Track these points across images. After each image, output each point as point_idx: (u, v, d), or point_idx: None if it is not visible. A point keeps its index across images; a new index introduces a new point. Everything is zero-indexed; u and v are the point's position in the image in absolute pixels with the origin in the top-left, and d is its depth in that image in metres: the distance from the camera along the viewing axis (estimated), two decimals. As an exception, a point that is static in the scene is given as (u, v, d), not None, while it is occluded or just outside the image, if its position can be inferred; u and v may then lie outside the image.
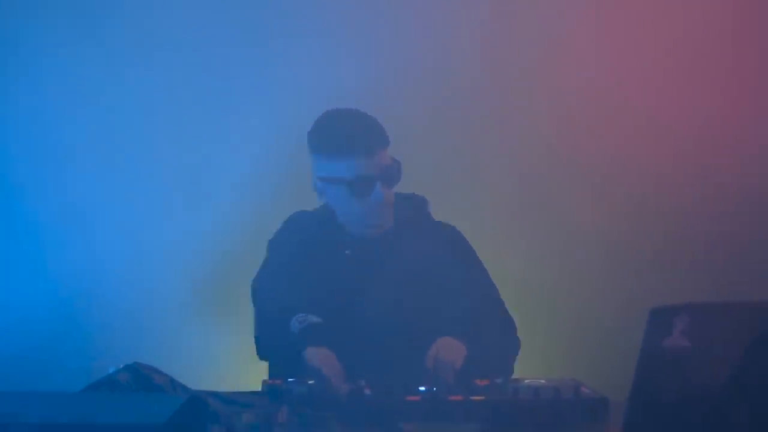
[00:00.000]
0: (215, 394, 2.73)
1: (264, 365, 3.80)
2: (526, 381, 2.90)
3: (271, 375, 3.32)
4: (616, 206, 4.39)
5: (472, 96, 4.37)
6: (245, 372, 3.72)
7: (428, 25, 4.40)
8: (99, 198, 4.34)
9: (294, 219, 3.40)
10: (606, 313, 4.15)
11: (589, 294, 4.27)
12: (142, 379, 2.74)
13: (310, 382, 2.93)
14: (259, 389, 2.94)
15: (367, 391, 2.89)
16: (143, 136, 4.38)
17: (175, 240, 4.32)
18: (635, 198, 4.40)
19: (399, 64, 4.36)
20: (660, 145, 4.38)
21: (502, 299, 3.34)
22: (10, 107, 4.33)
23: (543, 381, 2.92)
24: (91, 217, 4.31)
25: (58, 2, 4.32)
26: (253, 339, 3.95)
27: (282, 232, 3.39)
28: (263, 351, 3.30)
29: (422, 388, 2.90)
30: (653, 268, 4.32)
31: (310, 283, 3.25)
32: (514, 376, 3.22)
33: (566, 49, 4.39)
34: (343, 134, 3.21)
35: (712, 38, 4.37)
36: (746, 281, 4.22)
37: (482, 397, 2.85)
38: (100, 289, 4.26)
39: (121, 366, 2.77)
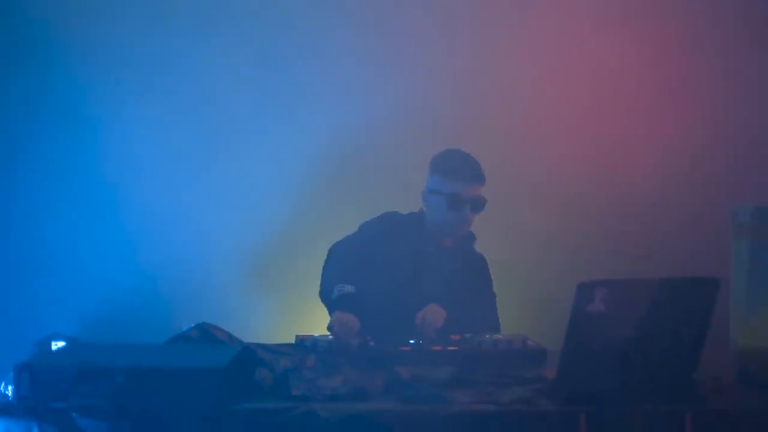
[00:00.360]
0: (262, 345, 2.71)
1: (294, 325, 3.84)
2: (487, 336, 2.92)
3: None
4: (550, 206, 4.38)
5: (440, 122, 4.35)
6: (283, 329, 3.72)
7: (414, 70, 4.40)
8: (175, 201, 4.32)
9: (389, 214, 3.38)
10: (545, 286, 4.14)
11: (532, 273, 4.26)
12: (208, 335, 2.75)
13: (330, 337, 2.95)
14: (293, 342, 2.95)
15: (372, 344, 2.92)
16: (205, 155, 4.36)
17: (234, 233, 4.31)
18: (562, 198, 4.39)
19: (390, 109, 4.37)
20: (585, 159, 4.37)
21: (498, 316, 3.34)
22: (103, 138, 4.32)
23: (500, 336, 2.94)
24: (170, 216, 4.30)
25: (139, 62, 4.33)
26: (284, 307, 3.98)
27: (375, 219, 3.37)
28: (321, 300, 3.29)
29: (412, 341, 2.94)
30: (579, 253, 4.32)
31: (373, 262, 3.23)
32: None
33: (512, 87, 4.37)
34: (457, 164, 3.24)
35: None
36: (647, 263, 4.23)
37: (455, 348, 2.89)
38: (177, 269, 4.24)
39: (193, 325, 2.78)
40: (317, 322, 3.25)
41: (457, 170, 3.22)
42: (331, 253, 3.32)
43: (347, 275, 3.14)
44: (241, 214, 4.33)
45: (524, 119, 4.37)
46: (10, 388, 2.38)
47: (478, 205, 3.23)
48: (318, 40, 4.38)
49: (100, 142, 4.32)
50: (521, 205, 4.31)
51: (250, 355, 2.55)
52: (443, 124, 4.34)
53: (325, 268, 3.30)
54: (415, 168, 4.16)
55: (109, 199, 4.31)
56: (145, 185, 4.30)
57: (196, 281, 4.22)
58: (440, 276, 3.22)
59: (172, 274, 4.22)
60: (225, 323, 2.86)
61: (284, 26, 4.38)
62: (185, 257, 4.25)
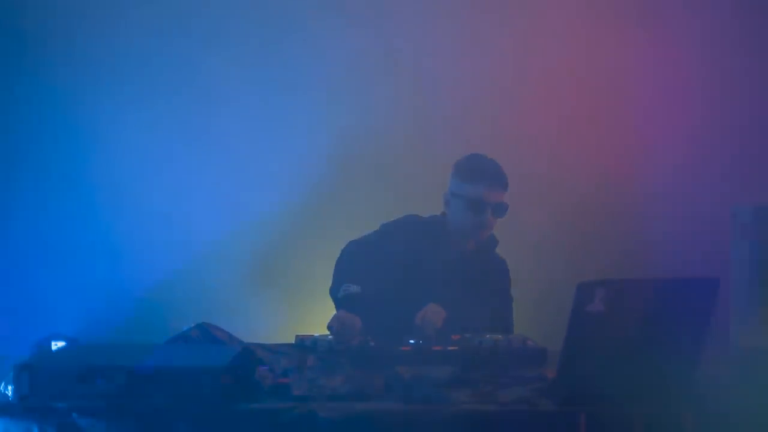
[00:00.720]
0: (261, 345, 2.72)
1: (294, 325, 3.84)
2: (487, 336, 2.90)
3: None
4: (550, 206, 4.38)
5: (440, 123, 4.37)
6: (283, 329, 3.73)
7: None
8: (176, 201, 4.33)
9: (409, 217, 3.38)
10: (545, 286, 4.13)
11: (532, 273, 4.25)
12: (208, 335, 2.74)
13: (330, 337, 2.95)
14: (293, 342, 2.94)
15: (372, 344, 2.92)
16: (205, 155, 4.38)
17: (233, 233, 4.32)
18: (562, 198, 4.39)
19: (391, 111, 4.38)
20: (585, 158, 4.37)
21: (512, 321, 3.34)
22: (102, 138, 4.33)
23: (499, 336, 2.93)
24: (170, 216, 4.31)
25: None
26: (284, 307, 3.97)
27: (396, 221, 3.37)
28: (331, 297, 3.28)
29: (412, 341, 2.94)
30: (579, 253, 4.32)
31: (389, 263, 3.22)
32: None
33: (512, 88, 4.37)
34: (480, 168, 3.23)
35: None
36: (647, 263, 4.23)
37: (455, 347, 2.88)
38: (177, 269, 4.25)
39: (193, 325, 2.77)
40: (317, 322, 3.25)
41: (480, 175, 3.21)
42: (345, 251, 3.32)
43: (356, 275, 3.14)
44: (241, 214, 4.33)
45: (524, 119, 4.38)
46: (10, 388, 2.38)
47: (499, 210, 3.23)
48: (318, 40, 4.38)
49: (100, 142, 4.33)
50: (521, 204, 4.31)
51: (250, 355, 2.55)
52: (443, 124, 4.35)
53: (336, 265, 3.30)
54: (415, 168, 4.20)
55: (109, 199, 4.32)
56: (146, 185, 4.31)
57: (196, 281, 4.23)
58: (456, 279, 3.21)
59: (172, 274, 4.23)
60: (225, 323, 2.86)
61: (284, 26, 4.38)
62: (186, 257, 4.26)
